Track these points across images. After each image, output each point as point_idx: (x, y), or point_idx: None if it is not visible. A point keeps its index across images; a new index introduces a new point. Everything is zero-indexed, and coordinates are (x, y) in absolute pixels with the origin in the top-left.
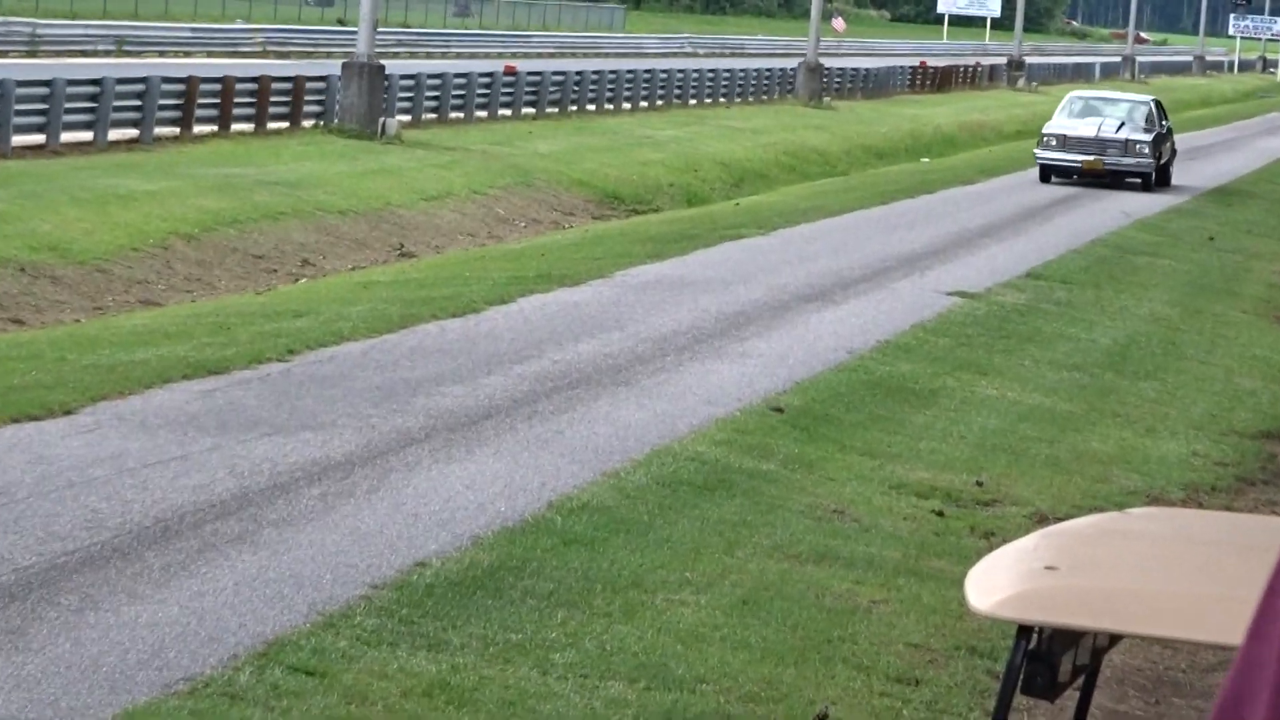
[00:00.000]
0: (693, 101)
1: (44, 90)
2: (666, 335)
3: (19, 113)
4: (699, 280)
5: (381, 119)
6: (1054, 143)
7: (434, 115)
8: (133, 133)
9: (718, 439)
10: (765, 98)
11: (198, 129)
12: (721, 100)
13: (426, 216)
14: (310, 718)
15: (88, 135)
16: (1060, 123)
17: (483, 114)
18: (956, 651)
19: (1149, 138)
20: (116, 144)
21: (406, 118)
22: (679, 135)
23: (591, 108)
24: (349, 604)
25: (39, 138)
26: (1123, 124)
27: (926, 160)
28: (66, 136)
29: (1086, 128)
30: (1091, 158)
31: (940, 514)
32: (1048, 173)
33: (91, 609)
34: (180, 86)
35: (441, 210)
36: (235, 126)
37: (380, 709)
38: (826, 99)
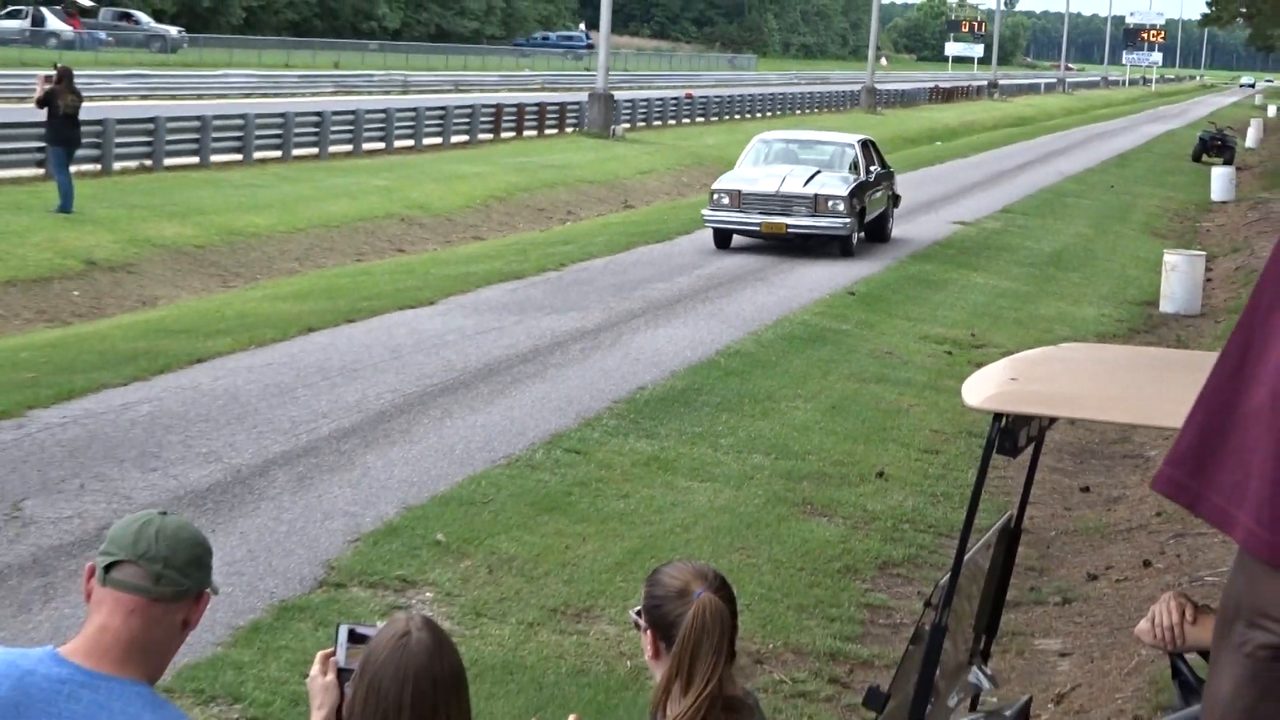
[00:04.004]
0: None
1: (410, 113)
2: (781, 251)
3: (417, 126)
4: None
5: (613, 126)
6: (725, 200)
7: (643, 123)
8: (464, 138)
9: (816, 311)
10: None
11: (504, 134)
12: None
13: (640, 184)
14: (578, 476)
15: (438, 140)
16: (739, 175)
17: (673, 122)
18: (960, 434)
19: (844, 190)
20: (456, 145)
21: (628, 125)
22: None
23: (741, 116)
24: (599, 412)
25: (409, 143)
26: (816, 173)
27: (939, 143)
28: (426, 140)
29: (767, 180)
30: (773, 219)
31: (949, 353)
32: (724, 238)
33: (448, 417)
34: (493, 109)
35: (648, 180)
36: (526, 132)
37: (619, 472)
38: (879, 109)
